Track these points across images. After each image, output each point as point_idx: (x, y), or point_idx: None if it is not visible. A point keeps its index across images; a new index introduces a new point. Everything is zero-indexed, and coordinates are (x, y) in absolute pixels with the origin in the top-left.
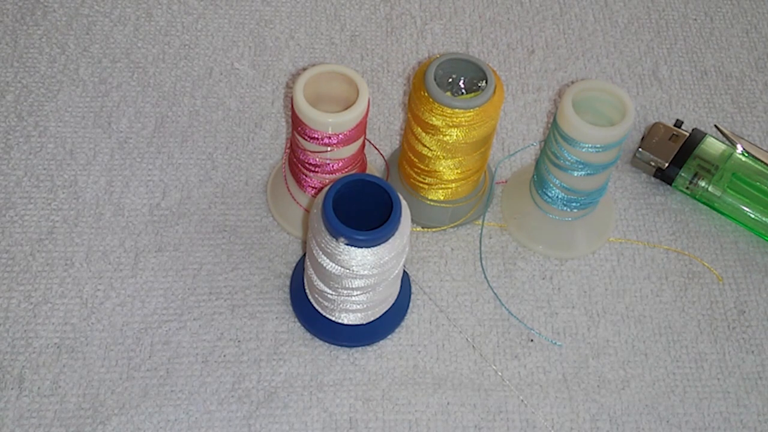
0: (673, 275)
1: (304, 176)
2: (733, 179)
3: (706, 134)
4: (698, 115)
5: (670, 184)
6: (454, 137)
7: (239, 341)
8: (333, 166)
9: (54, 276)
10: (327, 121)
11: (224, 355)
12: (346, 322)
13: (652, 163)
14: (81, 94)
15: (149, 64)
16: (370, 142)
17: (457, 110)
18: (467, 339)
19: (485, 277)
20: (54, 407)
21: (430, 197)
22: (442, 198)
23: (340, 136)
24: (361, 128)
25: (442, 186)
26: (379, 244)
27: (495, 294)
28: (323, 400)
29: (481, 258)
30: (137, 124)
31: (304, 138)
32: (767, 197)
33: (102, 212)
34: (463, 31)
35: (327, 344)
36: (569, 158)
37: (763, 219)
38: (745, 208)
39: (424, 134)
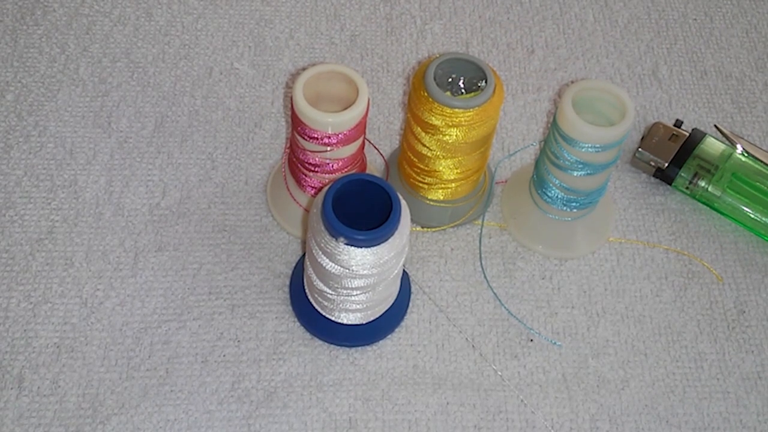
0: (672, 275)
1: (303, 176)
2: (732, 179)
3: (705, 134)
4: (698, 115)
5: (670, 184)
6: (454, 137)
7: (239, 341)
8: (332, 166)
9: (54, 276)
10: (327, 121)
11: (224, 355)
12: (345, 321)
13: (652, 163)
14: (81, 93)
15: (149, 64)
16: (369, 141)
17: (456, 110)
18: (467, 339)
19: (485, 277)
20: (53, 407)
21: (429, 197)
22: (441, 198)
23: (340, 135)
24: (360, 128)
25: (442, 186)
26: (378, 244)
27: (495, 294)
28: (323, 399)
29: (480, 258)
30: (137, 124)
31: (303, 138)
32: (767, 197)
33: (102, 212)
34: (463, 31)
35: (327, 344)
36: (569, 158)
37: (763, 219)
38: (745, 208)
39: (423, 134)
